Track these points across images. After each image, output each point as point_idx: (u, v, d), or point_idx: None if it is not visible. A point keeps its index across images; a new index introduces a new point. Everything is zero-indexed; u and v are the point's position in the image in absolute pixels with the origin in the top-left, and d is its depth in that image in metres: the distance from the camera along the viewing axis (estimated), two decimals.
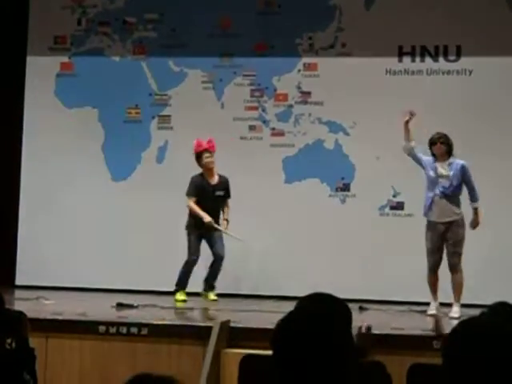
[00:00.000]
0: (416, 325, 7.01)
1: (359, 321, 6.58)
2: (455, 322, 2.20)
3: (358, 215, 9.12)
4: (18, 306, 7.26)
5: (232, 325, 6.58)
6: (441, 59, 9.22)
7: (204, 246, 8.55)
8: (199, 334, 6.39)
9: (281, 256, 9.12)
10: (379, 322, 7.09)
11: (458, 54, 9.18)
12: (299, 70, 9.49)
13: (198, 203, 8.44)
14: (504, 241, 8.81)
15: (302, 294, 2.60)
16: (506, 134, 8.99)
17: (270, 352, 2.29)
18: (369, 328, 6.31)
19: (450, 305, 7.70)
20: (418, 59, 9.25)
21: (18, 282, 9.62)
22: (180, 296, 8.41)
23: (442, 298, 7.84)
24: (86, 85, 9.75)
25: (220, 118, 9.45)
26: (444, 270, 7.69)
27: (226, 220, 8.55)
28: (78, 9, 9.91)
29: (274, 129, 9.49)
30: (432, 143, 7.71)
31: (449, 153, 7.69)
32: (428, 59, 9.24)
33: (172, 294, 8.47)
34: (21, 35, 9.88)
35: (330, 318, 2.30)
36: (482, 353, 1.98)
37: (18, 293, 8.94)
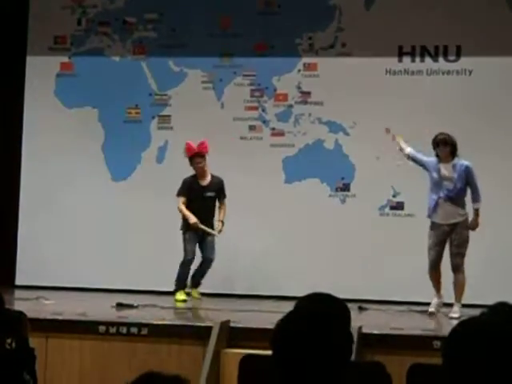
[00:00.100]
0: (416, 325, 7.02)
1: (359, 321, 6.59)
2: (455, 322, 2.19)
3: (357, 215, 9.11)
4: (18, 305, 7.26)
5: (232, 325, 6.58)
6: (441, 59, 9.22)
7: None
8: (199, 334, 6.40)
9: (280, 256, 9.12)
10: (379, 322, 7.10)
11: (458, 54, 9.18)
12: (299, 70, 9.49)
13: (188, 204, 8.46)
14: (504, 241, 8.81)
15: (301, 293, 2.60)
16: (506, 133, 8.99)
17: (269, 352, 2.29)
18: None
19: (450, 305, 7.70)
20: (417, 59, 9.24)
21: (17, 281, 9.62)
22: (180, 296, 8.42)
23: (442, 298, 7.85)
24: (85, 85, 9.75)
25: (220, 118, 9.46)
26: (445, 270, 7.70)
27: (221, 222, 8.55)
28: (78, 9, 9.91)
29: (273, 129, 9.49)
30: (435, 145, 7.67)
31: (453, 153, 7.65)
32: (428, 59, 9.23)
33: (172, 294, 8.48)
34: (21, 35, 9.88)
35: (329, 318, 2.30)
36: (482, 353, 1.98)
37: (17, 293, 8.94)
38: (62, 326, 6.63)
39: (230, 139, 9.32)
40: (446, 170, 7.64)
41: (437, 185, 7.65)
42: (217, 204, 8.62)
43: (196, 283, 8.64)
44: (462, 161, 7.65)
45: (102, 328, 6.53)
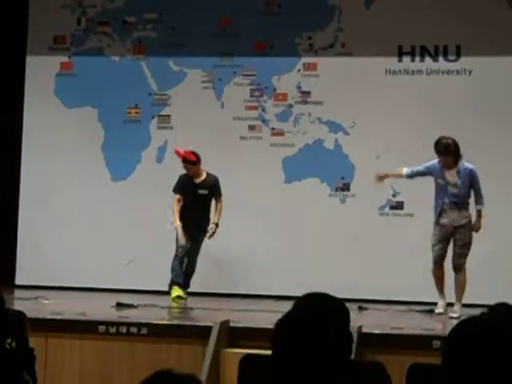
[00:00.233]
0: (415, 324, 7.01)
1: (359, 320, 6.59)
2: (455, 322, 2.19)
3: (357, 215, 9.11)
4: (18, 305, 7.25)
5: (232, 325, 6.58)
6: (440, 59, 9.22)
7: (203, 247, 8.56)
8: (199, 334, 6.39)
9: (280, 256, 9.11)
10: (379, 321, 7.09)
11: (458, 54, 9.18)
12: (299, 70, 9.49)
13: (183, 201, 8.46)
14: (504, 241, 8.80)
15: (301, 293, 2.60)
16: (506, 133, 8.99)
17: (269, 352, 2.29)
18: None
19: (450, 304, 7.69)
20: (417, 59, 9.24)
21: (17, 281, 9.62)
22: (175, 292, 8.37)
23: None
24: (85, 84, 9.75)
25: (220, 118, 9.46)
26: (445, 270, 7.69)
27: (216, 224, 8.48)
28: (78, 8, 9.91)
29: (273, 128, 9.49)
30: (438, 152, 7.57)
31: (456, 161, 7.56)
32: (428, 59, 9.23)
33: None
34: (20, 35, 9.88)
35: (328, 318, 2.30)
36: (482, 353, 1.98)
37: (17, 292, 8.93)
38: (62, 325, 6.62)
39: (229, 139, 9.32)
40: (450, 176, 7.59)
41: (442, 190, 7.61)
42: (213, 203, 8.61)
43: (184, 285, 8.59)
44: (465, 164, 7.60)
45: (101, 328, 6.52)
